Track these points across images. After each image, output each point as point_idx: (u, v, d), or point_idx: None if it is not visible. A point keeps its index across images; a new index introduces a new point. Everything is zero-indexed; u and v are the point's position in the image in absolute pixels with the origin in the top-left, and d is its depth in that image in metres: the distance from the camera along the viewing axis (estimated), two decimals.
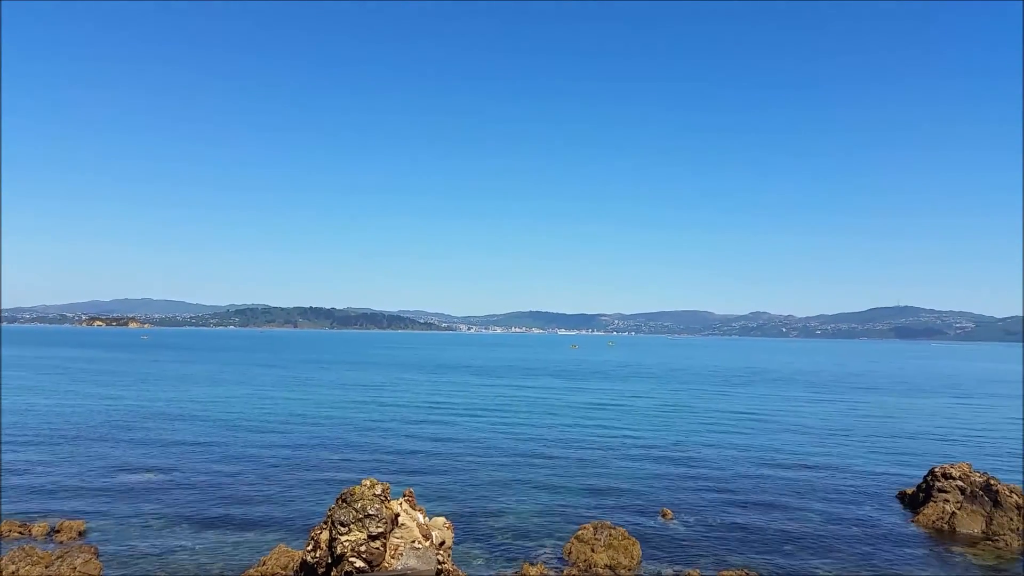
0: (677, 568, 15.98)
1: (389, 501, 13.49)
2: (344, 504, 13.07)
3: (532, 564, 15.72)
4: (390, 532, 13.13)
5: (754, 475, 26.45)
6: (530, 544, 17.54)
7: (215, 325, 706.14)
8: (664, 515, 20.34)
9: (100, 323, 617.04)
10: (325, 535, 13.13)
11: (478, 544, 17.49)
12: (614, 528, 17.03)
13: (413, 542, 13.21)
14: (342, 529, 12.73)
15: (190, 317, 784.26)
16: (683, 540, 18.12)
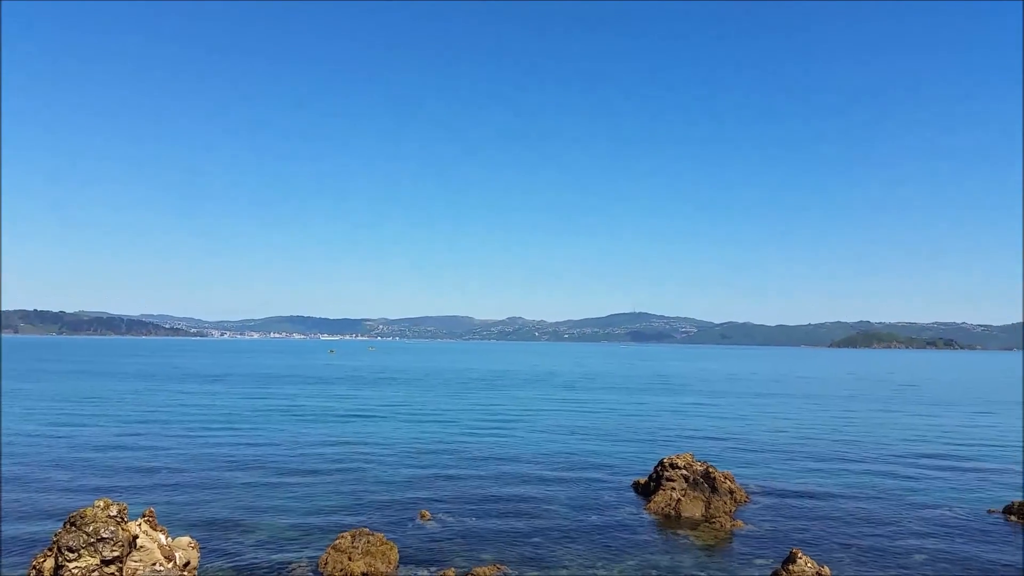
0: (433, 569, 16.26)
1: (126, 522, 12.35)
2: (73, 528, 11.75)
3: None
4: (127, 556, 12.02)
5: (507, 472, 27.68)
6: (284, 558, 16.90)
7: None
8: (423, 517, 20.62)
9: None
10: (50, 563, 11.72)
11: (228, 562, 16.52)
12: (372, 534, 16.90)
13: (154, 564, 12.22)
14: (70, 555, 11.45)
15: None
16: (440, 540, 18.48)
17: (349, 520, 20.02)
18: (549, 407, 54.84)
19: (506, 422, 44.12)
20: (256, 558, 16.93)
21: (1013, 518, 21.44)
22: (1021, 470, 30.19)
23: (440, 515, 20.96)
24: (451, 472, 27.66)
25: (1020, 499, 22.29)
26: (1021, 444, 38.00)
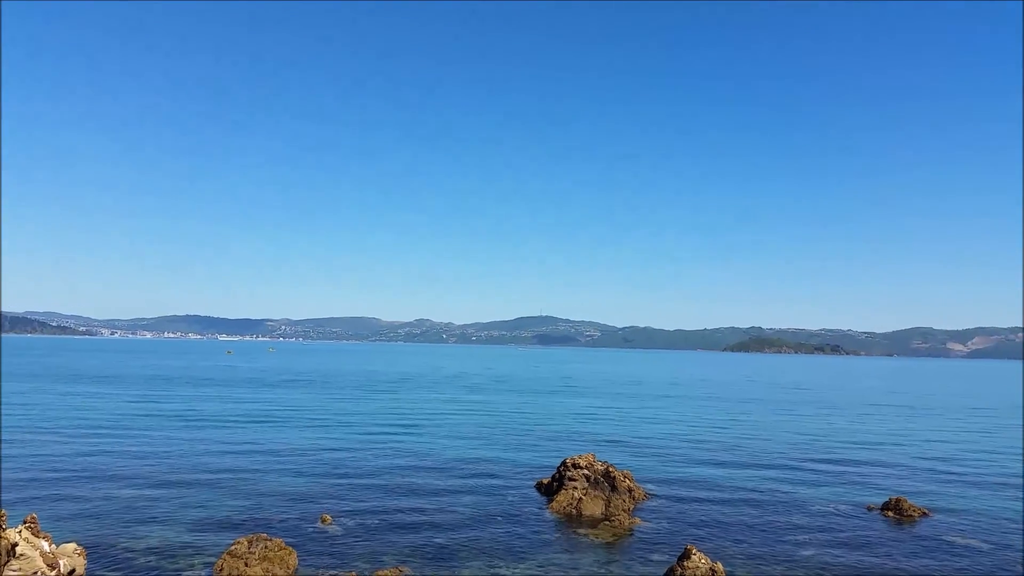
0: (333, 572, 16.01)
1: (5, 529, 11.64)
2: None
3: None
4: (4, 564, 11.33)
5: (411, 476, 27.50)
6: (176, 565, 16.28)
7: None
8: (324, 521, 20.25)
9: None
10: None
11: (117, 570, 15.79)
12: (270, 540, 16.50)
13: (35, 573, 11.55)
14: None
15: None
16: (342, 544, 18.21)
17: (247, 527, 19.44)
18: (455, 410, 54.79)
19: (411, 425, 43.81)
20: (148, 564, 16.25)
21: (890, 513, 22.93)
22: (898, 469, 32.25)
23: (342, 519, 20.63)
24: (354, 476, 27.25)
25: (896, 496, 23.83)
26: (900, 444, 40.59)
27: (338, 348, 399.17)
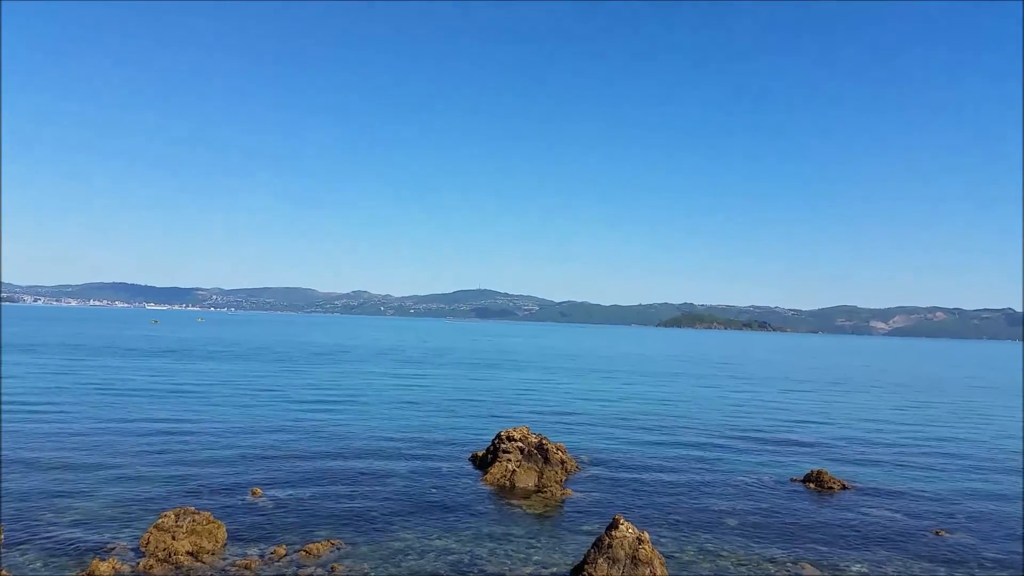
0: (263, 546, 15.89)
1: None
2: None
3: (103, 560, 14.25)
4: None
5: (345, 448, 27.37)
6: (102, 538, 15.92)
7: None
8: (254, 494, 20.02)
9: None
10: None
11: (37, 544, 15.35)
12: (198, 513, 16.25)
13: None
14: None
15: None
16: (273, 517, 18.05)
17: (175, 500, 19.09)
18: (391, 383, 54.62)
19: (346, 398, 43.50)
20: (71, 537, 15.86)
21: (811, 485, 23.93)
22: (821, 443, 33.62)
23: (273, 492, 20.44)
24: (285, 449, 26.95)
25: (817, 468, 24.86)
26: (823, 419, 42.26)
27: (271, 319, 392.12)
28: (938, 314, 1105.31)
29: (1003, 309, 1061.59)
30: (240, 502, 19.37)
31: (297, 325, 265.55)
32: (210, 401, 39.78)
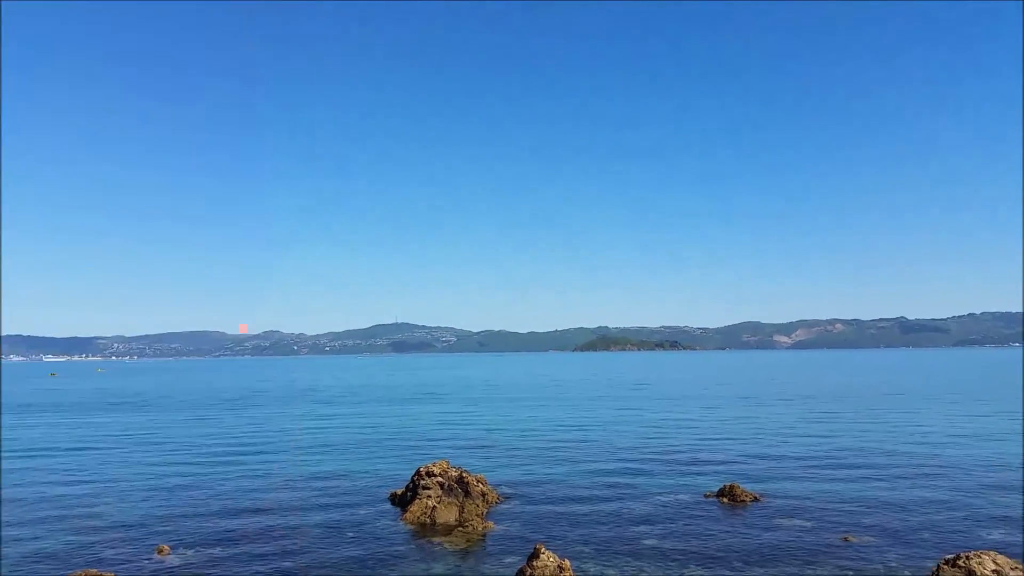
0: None
1: None
2: None
3: None
4: None
5: (257, 499, 26.36)
6: None
7: None
8: (160, 552, 19.05)
9: None
10: None
11: None
12: (102, 574, 15.41)
13: None
14: None
15: None
16: (180, 575, 17.21)
17: (76, 562, 18.00)
18: (305, 425, 53.12)
19: (257, 444, 41.99)
20: None
21: (724, 500, 24.60)
22: (733, 457, 34.60)
23: (180, 549, 19.49)
24: (193, 502, 25.78)
25: (730, 483, 25.56)
26: (733, 434, 43.53)
27: (175, 366, 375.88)
28: (837, 325, 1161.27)
29: (897, 318, 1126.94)
30: (146, 561, 18.39)
31: (203, 370, 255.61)
32: (111, 456, 37.69)
